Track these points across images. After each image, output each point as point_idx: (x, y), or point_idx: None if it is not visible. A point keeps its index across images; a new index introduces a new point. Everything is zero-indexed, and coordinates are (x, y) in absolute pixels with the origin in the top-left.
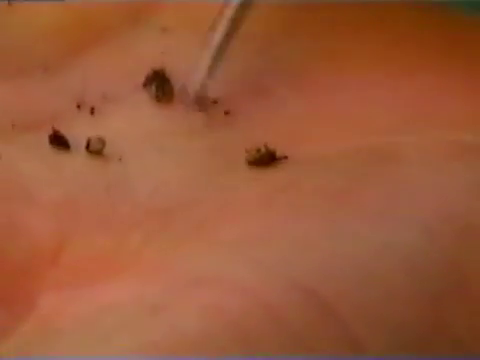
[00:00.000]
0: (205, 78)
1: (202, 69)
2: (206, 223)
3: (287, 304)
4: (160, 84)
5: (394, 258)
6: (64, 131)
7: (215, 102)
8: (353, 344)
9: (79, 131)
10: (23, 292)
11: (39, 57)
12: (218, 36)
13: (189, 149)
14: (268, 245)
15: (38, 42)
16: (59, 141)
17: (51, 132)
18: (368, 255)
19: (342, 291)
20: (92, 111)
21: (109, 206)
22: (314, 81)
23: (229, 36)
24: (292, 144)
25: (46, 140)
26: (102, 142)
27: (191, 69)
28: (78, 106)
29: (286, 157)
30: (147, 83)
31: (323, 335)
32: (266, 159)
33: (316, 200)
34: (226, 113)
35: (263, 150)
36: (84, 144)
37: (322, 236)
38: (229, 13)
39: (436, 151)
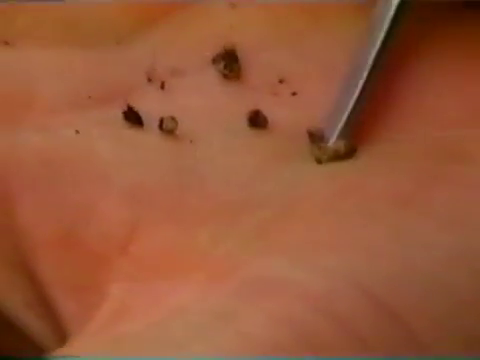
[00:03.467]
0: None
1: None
2: (273, 224)
3: (356, 313)
4: (229, 62)
5: (463, 267)
6: (136, 105)
7: (281, 82)
8: (422, 354)
9: (151, 106)
10: (94, 281)
11: (112, 30)
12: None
13: (257, 132)
14: (335, 251)
15: (111, 15)
16: (133, 117)
17: (125, 108)
18: (437, 264)
19: (411, 301)
20: (162, 85)
21: (179, 195)
22: None
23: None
24: (359, 132)
25: (120, 115)
26: (175, 122)
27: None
28: (149, 79)
29: (355, 149)
30: (216, 60)
31: (392, 345)
32: (341, 156)
33: (383, 204)
34: (293, 94)
35: (342, 149)
36: (156, 121)
37: (390, 243)
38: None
39: None
